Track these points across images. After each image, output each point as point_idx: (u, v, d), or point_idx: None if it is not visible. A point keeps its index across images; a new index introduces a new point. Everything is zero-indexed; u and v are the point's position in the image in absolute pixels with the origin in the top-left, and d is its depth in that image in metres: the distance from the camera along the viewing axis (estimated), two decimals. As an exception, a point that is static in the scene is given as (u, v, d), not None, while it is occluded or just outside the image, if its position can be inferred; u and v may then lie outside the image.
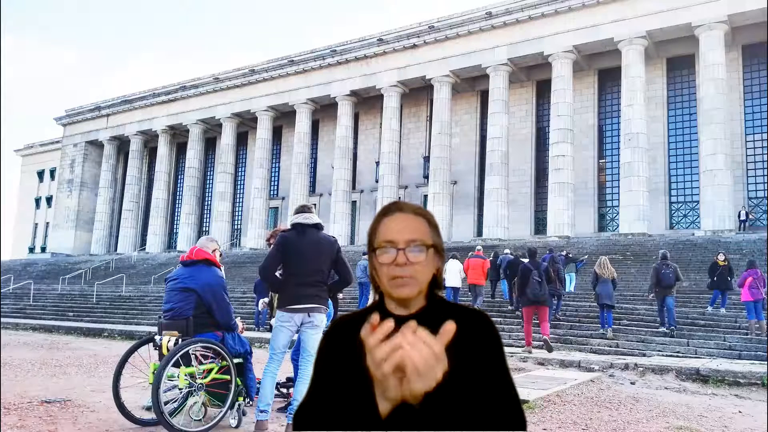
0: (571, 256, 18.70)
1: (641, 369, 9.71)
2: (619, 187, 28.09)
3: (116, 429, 5.12)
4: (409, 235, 1.27)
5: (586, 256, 20.62)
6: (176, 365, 4.94)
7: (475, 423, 1.14)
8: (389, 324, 1.05)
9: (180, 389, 5.03)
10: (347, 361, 1.23)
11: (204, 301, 5.20)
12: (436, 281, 1.32)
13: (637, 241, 24.21)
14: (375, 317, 1.07)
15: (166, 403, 4.82)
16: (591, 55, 30.24)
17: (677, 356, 11.49)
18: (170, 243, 44.89)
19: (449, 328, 1.05)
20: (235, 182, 42.64)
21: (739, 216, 25.86)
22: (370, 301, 1.45)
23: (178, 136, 45.24)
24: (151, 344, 5.35)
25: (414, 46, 33.23)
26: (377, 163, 35.40)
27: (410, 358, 1.01)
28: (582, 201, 29.99)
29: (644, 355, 11.60)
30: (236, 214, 43.48)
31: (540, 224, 31.49)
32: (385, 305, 1.31)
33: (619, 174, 28.25)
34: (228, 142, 40.85)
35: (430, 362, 1.02)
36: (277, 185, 41.89)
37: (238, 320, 5.56)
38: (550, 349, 11.42)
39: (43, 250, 51.57)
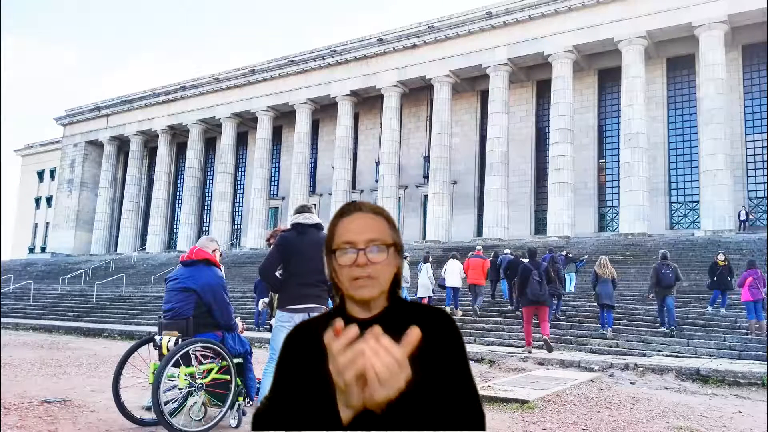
0: (571, 256, 18.70)
1: (641, 369, 9.70)
2: (619, 187, 28.09)
3: (116, 429, 5.12)
4: (369, 234, 1.26)
5: (586, 256, 20.62)
6: (176, 365, 4.94)
7: (435, 425, 1.14)
8: (353, 331, 1.05)
9: (180, 389, 5.04)
10: (309, 364, 1.23)
11: (204, 301, 5.20)
12: (397, 281, 1.31)
13: (637, 241, 24.20)
14: (339, 323, 1.07)
15: (166, 403, 4.82)
16: (591, 55, 30.24)
17: (677, 356, 11.48)
18: (170, 243, 44.89)
19: (413, 336, 1.04)
20: (235, 182, 42.64)
21: (739, 216, 25.86)
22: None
23: (178, 136, 45.25)
24: (151, 344, 5.36)
25: (414, 46, 33.24)
26: (377, 163, 35.40)
27: (372, 366, 1.00)
28: (582, 201, 29.98)
29: (644, 355, 11.60)
30: (236, 214, 43.48)
31: (540, 224, 31.49)
32: (346, 308, 1.29)
33: (619, 174, 28.25)
34: (228, 142, 40.85)
35: (392, 370, 1.01)
36: (277, 185, 41.89)
37: (238, 320, 5.56)
38: (550, 349, 11.42)
39: (43, 250, 51.57)
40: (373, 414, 1.07)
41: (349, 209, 1.32)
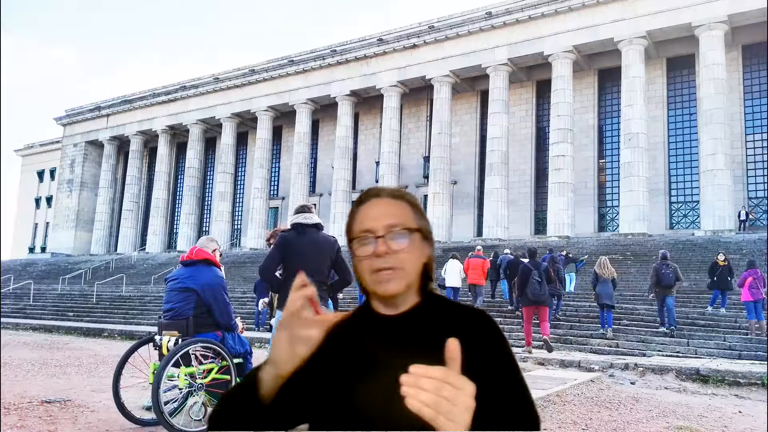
0: (571, 256, 18.69)
1: (641, 369, 9.70)
2: (619, 187, 28.10)
3: (116, 429, 5.12)
4: (388, 220, 1.12)
5: (586, 256, 20.62)
6: (176, 365, 4.94)
7: (487, 425, 1.02)
8: (332, 317, 1.03)
9: (180, 389, 5.03)
10: (324, 359, 1.11)
11: (204, 301, 5.20)
12: (428, 273, 1.17)
13: (637, 241, 24.20)
14: (300, 278, 1.08)
15: (166, 403, 4.82)
16: (591, 55, 30.25)
17: (677, 356, 11.49)
18: (170, 243, 44.90)
19: (453, 349, 0.91)
20: (235, 182, 42.65)
21: (739, 216, 25.86)
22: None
23: (178, 136, 45.25)
24: (151, 344, 5.36)
25: (414, 46, 33.24)
26: (377, 163, 35.40)
27: (421, 404, 0.86)
28: (582, 201, 29.99)
29: (644, 355, 11.60)
30: (236, 214, 43.49)
31: (540, 224, 31.48)
32: (371, 305, 1.16)
33: (619, 174, 28.25)
34: (228, 142, 40.86)
35: (450, 397, 0.86)
36: (277, 185, 41.89)
37: (238, 320, 5.56)
38: (550, 349, 11.42)
39: (43, 250, 51.57)
40: (406, 415, 0.93)
41: (366, 196, 1.19)
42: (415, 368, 0.88)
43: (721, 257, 14.74)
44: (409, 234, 1.12)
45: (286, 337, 1.07)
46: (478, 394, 0.93)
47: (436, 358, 0.93)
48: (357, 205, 1.19)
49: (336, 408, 1.07)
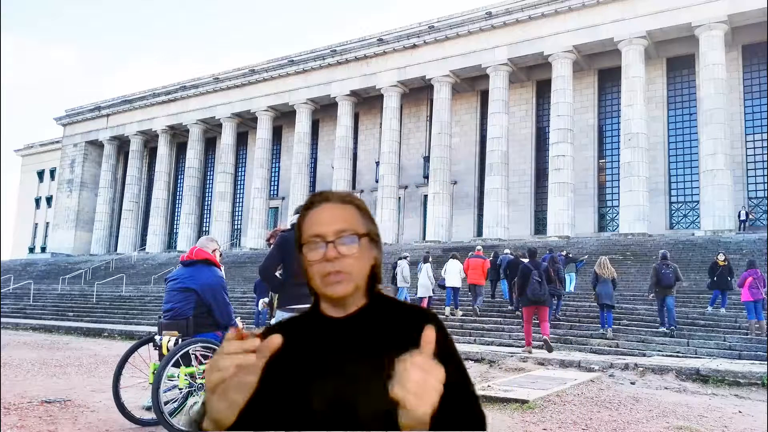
0: (571, 256, 18.68)
1: (641, 369, 9.70)
2: (619, 187, 28.09)
3: (116, 429, 5.12)
4: (338, 225, 1.15)
5: (586, 256, 20.61)
6: (176, 365, 4.94)
7: (436, 427, 1.05)
8: (276, 341, 0.99)
9: (180, 389, 5.04)
10: (276, 362, 1.11)
11: (204, 301, 5.20)
12: (376, 275, 1.20)
13: (637, 241, 24.20)
14: (236, 331, 1.00)
15: (166, 403, 4.82)
16: (591, 55, 30.24)
17: (677, 356, 11.48)
18: (170, 243, 44.90)
19: (429, 335, 0.97)
20: (235, 182, 42.65)
21: (739, 216, 25.85)
22: None
23: (178, 136, 45.25)
24: (151, 344, 5.36)
25: (414, 46, 33.23)
26: (377, 163, 35.40)
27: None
28: (582, 201, 29.99)
29: (644, 355, 11.60)
30: (236, 214, 43.48)
31: (540, 224, 31.48)
32: (320, 308, 1.19)
33: (619, 174, 28.25)
34: (228, 142, 40.86)
35: (420, 379, 0.93)
36: (277, 185, 41.89)
37: (238, 320, 5.56)
38: (550, 349, 11.42)
39: (43, 250, 51.57)
40: (360, 415, 1.03)
41: (316, 200, 1.21)
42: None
43: (721, 257, 14.74)
44: (358, 239, 1.15)
45: (219, 398, 0.99)
46: None
47: (382, 357, 1.01)
48: (306, 208, 1.20)
49: (292, 412, 1.09)
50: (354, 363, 1.10)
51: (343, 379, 1.09)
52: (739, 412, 6.92)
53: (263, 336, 1.13)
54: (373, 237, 1.20)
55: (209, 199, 44.64)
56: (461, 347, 12.05)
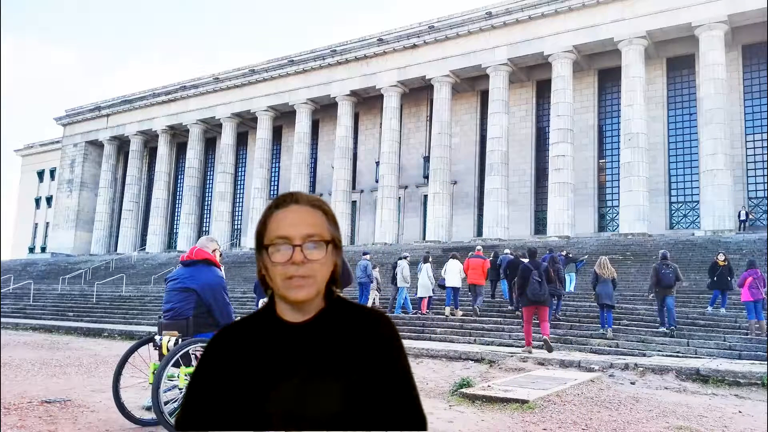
0: (571, 256, 18.68)
1: (641, 369, 9.70)
2: (619, 187, 28.09)
3: (116, 429, 5.12)
4: (306, 229, 1.16)
5: (586, 256, 20.61)
6: (176, 365, 4.94)
7: (376, 426, 1.10)
8: None
9: (180, 389, 5.04)
10: (234, 365, 1.16)
11: (204, 301, 5.20)
12: (334, 278, 1.22)
13: (637, 241, 24.20)
14: None
15: (166, 403, 4.82)
16: (591, 55, 30.24)
17: (677, 356, 11.48)
18: (170, 243, 44.90)
19: None
20: (235, 182, 42.65)
21: (739, 216, 25.85)
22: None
23: (178, 136, 45.25)
24: (151, 344, 5.36)
25: (414, 46, 33.23)
26: (377, 163, 35.40)
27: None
28: (582, 201, 29.99)
29: (644, 355, 11.59)
30: (236, 214, 43.49)
31: (540, 224, 31.48)
32: (277, 311, 1.20)
33: (619, 174, 28.25)
34: (228, 142, 40.86)
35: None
36: (277, 185, 41.88)
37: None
38: (550, 349, 11.41)
39: (43, 250, 51.57)
40: (311, 418, 1.07)
41: (284, 200, 1.20)
42: None
43: (721, 257, 14.74)
44: (325, 245, 1.17)
45: None
46: (367, 389, 1.08)
47: (339, 362, 1.07)
48: (273, 208, 1.20)
49: (249, 416, 1.11)
50: (311, 367, 1.12)
51: (300, 384, 1.11)
52: (739, 412, 6.92)
53: (219, 337, 1.19)
54: (337, 243, 1.21)
55: (209, 199, 44.65)
56: (461, 347, 12.08)
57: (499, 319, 15.33)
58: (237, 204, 43.62)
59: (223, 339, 1.22)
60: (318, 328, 1.17)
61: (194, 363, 5.07)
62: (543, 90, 32.60)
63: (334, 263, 1.20)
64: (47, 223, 53.00)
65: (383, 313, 1.25)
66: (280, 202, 1.20)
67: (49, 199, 54.40)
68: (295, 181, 36.49)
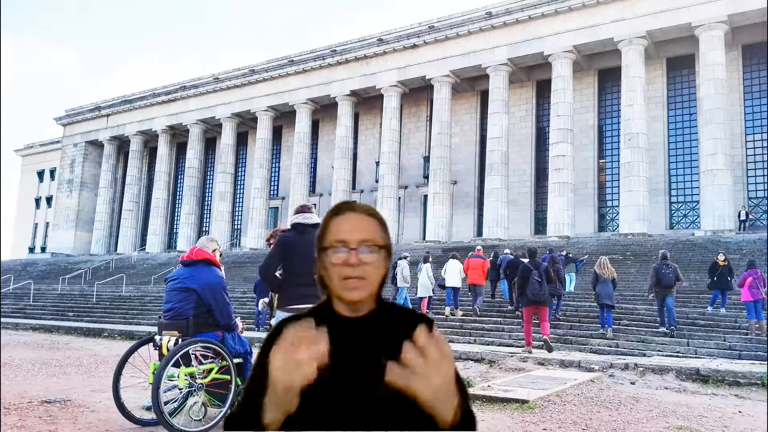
0: (571, 256, 18.68)
1: (641, 369, 9.70)
2: (619, 187, 28.10)
3: (116, 429, 5.12)
4: (361, 235, 1.25)
5: (586, 256, 20.61)
6: (176, 365, 4.94)
7: (428, 426, 1.13)
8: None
9: (180, 389, 5.04)
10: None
11: (204, 301, 5.20)
12: (383, 283, 1.31)
13: (637, 241, 24.20)
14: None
15: (166, 403, 4.82)
16: (591, 55, 30.24)
17: (677, 356, 11.48)
18: (170, 243, 44.90)
19: (419, 333, 1.12)
20: (235, 182, 42.65)
21: (739, 216, 25.85)
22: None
23: (178, 136, 45.26)
24: (151, 344, 5.36)
25: (414, 46, 33.24)
26: (377, 163, 35.40)
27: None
28: (582, 201, 29.99)
29: (644, 355, 11.59)
30: (236, 214, 43.49)
31: (540, 224, 31.49)
32: (333, 307, 1.28)
33: (619, 174, 28.25)
34: (228, 142, 40.87)
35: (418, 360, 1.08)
36: (277, 185, 41.89)
37: (238, 320, 5.56)
38: (550, 349, 11.42)
39: (43, 250, 51.57)
40: (367, 415, 1.12)
41: (342, 208, 1.31)
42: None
43: (721, 257, 14.74)
44: (378, 250, 1.26)
45: (296, 394, 1.12)
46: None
47: (391, 353, 1.13)
48: (333, 215, 1.30)
49: (318, 405, 1.17)
50: (369, 358, 1.20)
51: (359, 374, 1.19)
52: (739, 412, 6.92)
53: (277, 330, 1.24)
54: (389, 250, 1.30)
55: (209, 199, 44.65)
56: (461, 347, 12.08)
57: (499, 319, 15.34)
58: (237, 204, 43.63)
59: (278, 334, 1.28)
60: (373, 323, 1.25)
61: (194, 363, 5.07)
62: (543, 90, 32.60)
63: (386, 269, 1.28)
64: (47, 223, 53.01)
65: (428, 316, 1.31)
66: (339, 209, 1.31)
67: (49, 199, 54.40)
68: (295, 181, 36.50)
